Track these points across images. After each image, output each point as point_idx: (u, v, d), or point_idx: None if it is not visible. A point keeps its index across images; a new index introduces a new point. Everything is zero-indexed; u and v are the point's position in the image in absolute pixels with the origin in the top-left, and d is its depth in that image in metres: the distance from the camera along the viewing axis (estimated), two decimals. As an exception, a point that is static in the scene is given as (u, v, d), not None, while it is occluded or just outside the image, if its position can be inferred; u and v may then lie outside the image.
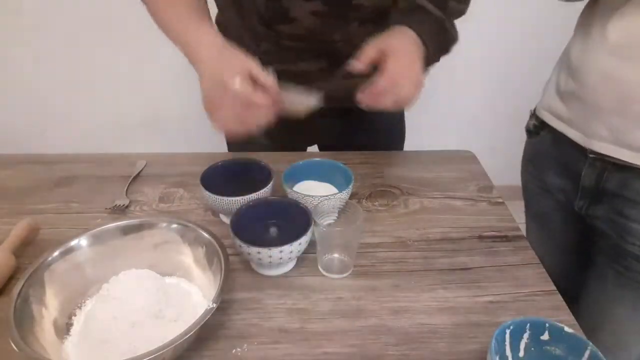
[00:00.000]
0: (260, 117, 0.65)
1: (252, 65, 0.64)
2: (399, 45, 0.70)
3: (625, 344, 0.79)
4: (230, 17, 0.85)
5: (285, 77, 0.85)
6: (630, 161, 0.65)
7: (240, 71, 0.63)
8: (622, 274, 0.73)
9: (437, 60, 0.79)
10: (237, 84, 0.62)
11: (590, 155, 0.71)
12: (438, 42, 0.76)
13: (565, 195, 0.81)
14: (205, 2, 0.78)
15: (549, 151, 0.81)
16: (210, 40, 0.68)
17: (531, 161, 0.89)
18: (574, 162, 0.75)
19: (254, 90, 0.62)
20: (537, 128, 0.84)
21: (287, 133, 1.00)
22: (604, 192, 0.72)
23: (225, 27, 0.89)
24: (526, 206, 0.95)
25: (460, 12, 0.81)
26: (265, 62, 0.82)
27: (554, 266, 0.90)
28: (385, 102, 0.70)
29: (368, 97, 0.70)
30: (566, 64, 0.74)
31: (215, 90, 0.64)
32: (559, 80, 0.76)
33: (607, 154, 0.68)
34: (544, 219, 0.90)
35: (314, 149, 1.11)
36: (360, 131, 1.00)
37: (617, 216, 0.71)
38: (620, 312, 0.77)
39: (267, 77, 0.64)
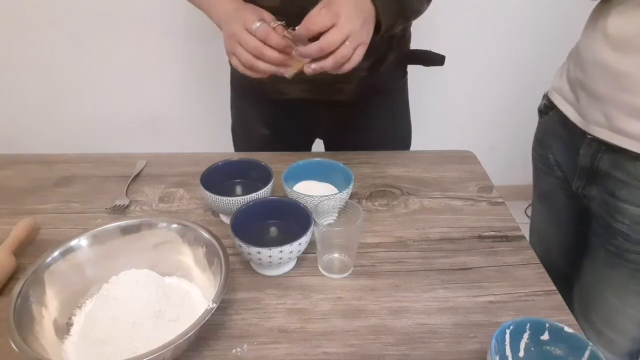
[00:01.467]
0: (268, 66, 0.68)
1: (268, 15, 0.69)
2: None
3: (616, 327, 0.80)
4: None
5: None
6: (622, 145, 0.69)
7: (259, 16, 0.68)
8: (613, 254, 0.75)
9: (393, 27, 0.74)
10: (258, 24, 0.67)
11: (588, 137, 0.74)
12: (395, 5, 0.72)
13: (565, 174, 0.84)
14: None
15: (555, 130, 0.85)
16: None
17: (539, 140, 0.92)
18: (576, 143, 0.78)
19: (268, 37, 0.66)
20: (547, 108, 0.87)
21: (284, 123, 1.00)
22: (597, 171, 0.75)
23: None
24: (534, 187, 0.98)
25: None
26: None
27: (557, 246, 0.93)
28: (314, 50, 0.64)
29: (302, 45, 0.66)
30: (575, 53, 0.79)
31: (236, 27, 0.68)
32: (569, 68, 0.80)
33: (603, 137, 0.71)
34: (548, 198, 0.93)
35: (319, 147, 1.11)
36: (359, 128, 1.00)
37: (609, 196, 0.74)
38: (611, 294, 0.79)
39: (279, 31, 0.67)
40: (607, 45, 0.68)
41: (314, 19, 0.64)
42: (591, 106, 0.72)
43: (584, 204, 0.81)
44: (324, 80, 0.87)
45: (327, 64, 0.65)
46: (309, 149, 1.11)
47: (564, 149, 0.83)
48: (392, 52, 0.91)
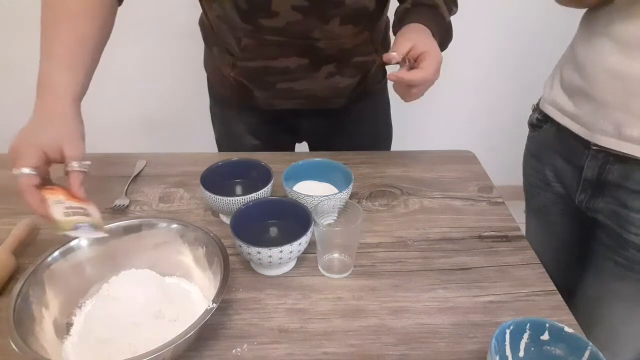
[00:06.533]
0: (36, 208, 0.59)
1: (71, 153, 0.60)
2: (430, 45, 0.71)
3: (621, 341, 0.79)
4: (211, 17, 0.85)
5: (267, 73, 0.84)
6: (633, 154, 0.67)
7: (38, 155, 0.60)
8: (622, 266, 0.74)
9: None
10: (25, 170, 0.60)
11: (593, 148, 0.72)
12: (444, 43, 0.80)
13: (565, 188, 0.82)
14: (95, 39, 0.75)
15: (552, 144, 0.82)
16: (58, 98, 0.65)
17: (533, 155, 0.89)
18: (577, 155, 0.76)
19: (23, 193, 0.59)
20: (540, 122, 0.84)
21: (272, 131, 1.00)
22: (605, 183, 0.73)
23: (206, 26, 0.89)
24: (527, 201, 0.96)
25: (452, 12, 0.85)
26: (246, 58, 0.83)
27: (553, 261, 0.91)
28: (413, 94, 0.72)
29: (399, 85, 0.72)
30: (571, 60, 0.76)
31: (13, 152, 0.62)
32: (564, 76, 0.77)
33: (611, 147, 0.69)
34: (543, 213, 0.90)
35: (303, 148, 1.11)
36: (345, 131, 1.00)
37: (620, 207, 0.72)
38: (619, 306, 0.77)
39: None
40: (615, 51, 0.66)
41: (429, 61, 0.68)
42: (596, 115, 0.70)
43: (587, 216, 0.78)
44: (320, 95, 0.88)
45: (402, 93, 0.73)
46: (292, 150, 1.10)
47: (564, 163, 0.80)
48: (378, 57, 0.91)
